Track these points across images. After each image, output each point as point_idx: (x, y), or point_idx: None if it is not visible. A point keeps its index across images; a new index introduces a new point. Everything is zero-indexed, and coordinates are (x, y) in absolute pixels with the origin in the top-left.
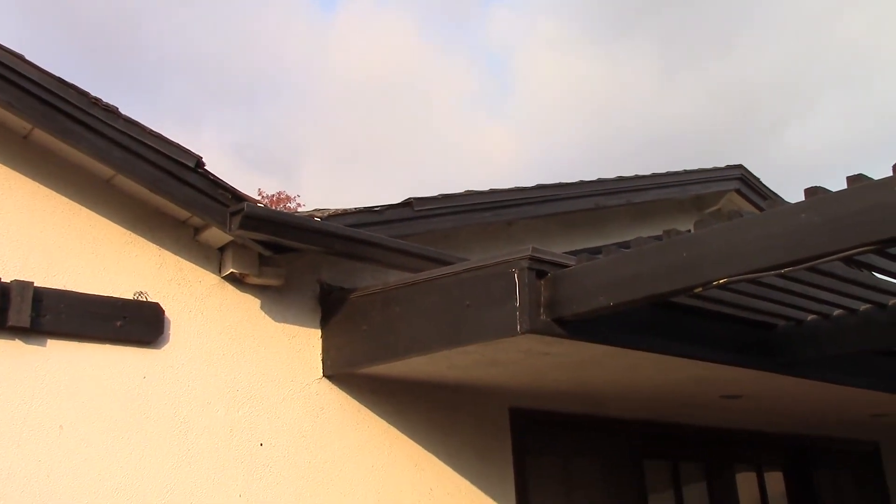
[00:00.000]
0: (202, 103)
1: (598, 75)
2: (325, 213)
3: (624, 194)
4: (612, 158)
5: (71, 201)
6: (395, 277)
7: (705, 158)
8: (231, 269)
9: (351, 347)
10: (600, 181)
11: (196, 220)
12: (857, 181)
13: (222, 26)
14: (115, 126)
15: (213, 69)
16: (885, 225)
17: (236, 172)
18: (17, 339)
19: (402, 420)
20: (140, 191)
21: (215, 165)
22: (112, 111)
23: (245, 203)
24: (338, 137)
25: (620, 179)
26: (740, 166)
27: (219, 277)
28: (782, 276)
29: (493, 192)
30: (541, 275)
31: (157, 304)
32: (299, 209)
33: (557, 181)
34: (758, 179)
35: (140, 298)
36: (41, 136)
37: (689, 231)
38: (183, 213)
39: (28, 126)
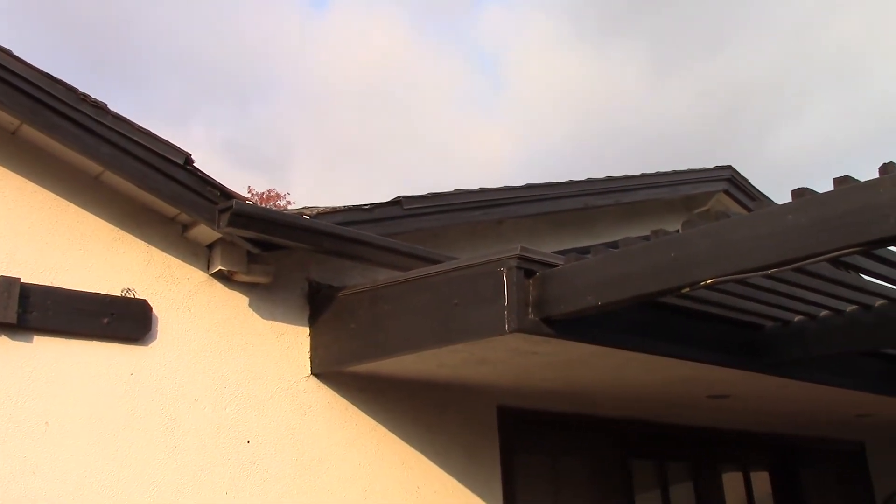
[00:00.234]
0: (192, 100)
1: (589, 75)
2: (314, 211)
3: (613, 194)
4: (604, 158)
5: (59, 197)
6: (383, 276)
7: (696, 158)
8: (219, 267)
9: (339, 345)
10: (589, 181)
11: (184, 217)
12: (844, 183)
13: (213, 23)
14: (104, 122)
15: (204, 66)
16: (871, 226)
17: (226, 170)
18: (3, 336)
19: (390, 418)
20: (128, 187)
21: (205, 163)
22: (100, 107)
23: (233, 200)
24: (329, 135)
25: (609, 179)
26: (729, 167)
27: (207, 275)
28: (769, 277)
29: (482, 191)
30: (529, 274)
31: (145, 300)
32: (289, 207)
33: (547, 181)
34: (746, 180)
35: (128, 295)
36: (29, 132)
37: (677, 231)
38: (171, 210)
39: (16, 122)
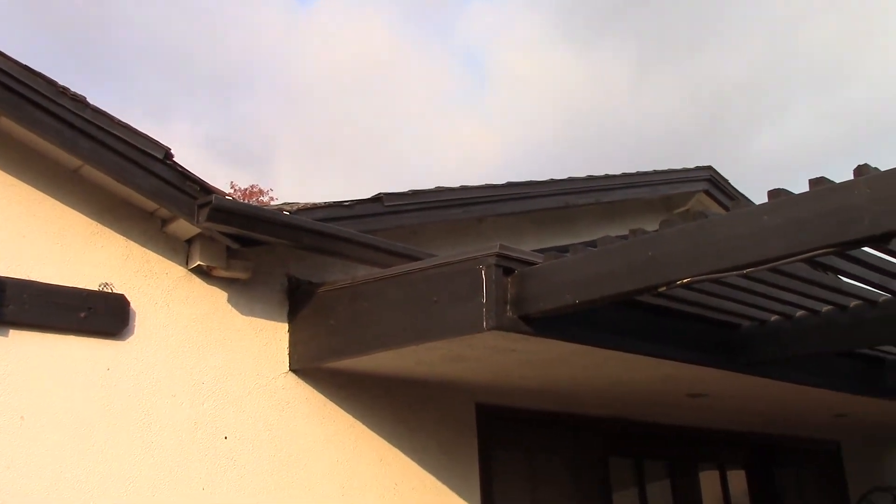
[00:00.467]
0: (175, 95)
1: (574, 74)
2: (295, 207)
3: (593, 193)
4: (588, 157)
5: (36, 191)
6: (363, 272)
7: (681, 158)
8: (198, 262)
9: (318, 342)
10: (570, 180)
11: (163, 212)
12: (819, 184)
13: (197, 17)
14: (83, 116)
15: (187, 60)
16: (846, 228)
17: (209, 165)
18: None
19: (368, 415)
20: (107, 181)
21: (187, 157)
22: (80, 101)
23: (213, 195)
24: (313, 132)
25: (590, 178)
26: (709, 167)
27: (186, 270)
28: (745, 277)
29: (463, 188)
30: (508, 272)
31: (123, 295)
32: (272, 203)
33: (528, 179)
34: (726, 181)
35: (105, 290)
36: (7, 124)
37: (655, 231)
38: (150, 205)
39: None
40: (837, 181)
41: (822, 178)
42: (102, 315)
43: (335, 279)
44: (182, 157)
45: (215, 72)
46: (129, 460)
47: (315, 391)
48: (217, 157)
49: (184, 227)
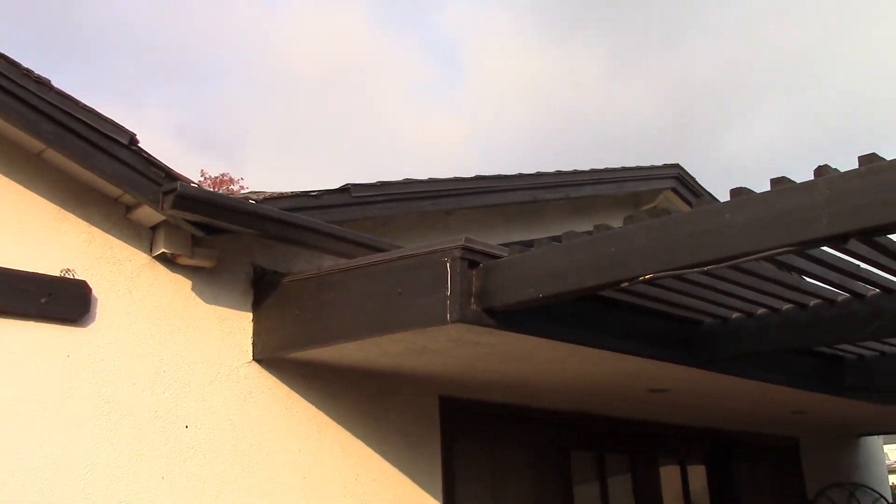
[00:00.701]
0: (146, 80)
1: (547, 70)
2: (261, 196)
3: (562, 188)
4: (559, 152)
5: None
6: (329, 263)
7: (650, 155)
8: (162, 249)
9: (282, 332)
10: (539, 174)
11: (128, 198)
12: (780, 184)
13: (169, 2)
14: (47, 99)
15: (159, 46)
16: (805, 227)
17: (180, 152)
18: None
19: (332, 406)
20: (71, 166)
21: (157, 144)
22: (44, 83)
23: (178, 182)
24: (286, 121)
25: (559, 174)
26: (677, 165)
27: (150, 257)
28: (708, 274)
29: (431, 181)
30: (473, 265)
31: (85, 281)
32: (242, 192)
33: (497, 173)
34: (693, 179)
35: (67, 275)
36: None
37: (619, 227)
38: (114, 191)
39: None
40: (799, 181)
41: (783, 177)
42: (63, 301)
43: (301, 269)
44: (152, 144)
45: (187, 59)
46: (88, 448)
47: (278, 381)
48: (188, 145)
49: (148, 214)
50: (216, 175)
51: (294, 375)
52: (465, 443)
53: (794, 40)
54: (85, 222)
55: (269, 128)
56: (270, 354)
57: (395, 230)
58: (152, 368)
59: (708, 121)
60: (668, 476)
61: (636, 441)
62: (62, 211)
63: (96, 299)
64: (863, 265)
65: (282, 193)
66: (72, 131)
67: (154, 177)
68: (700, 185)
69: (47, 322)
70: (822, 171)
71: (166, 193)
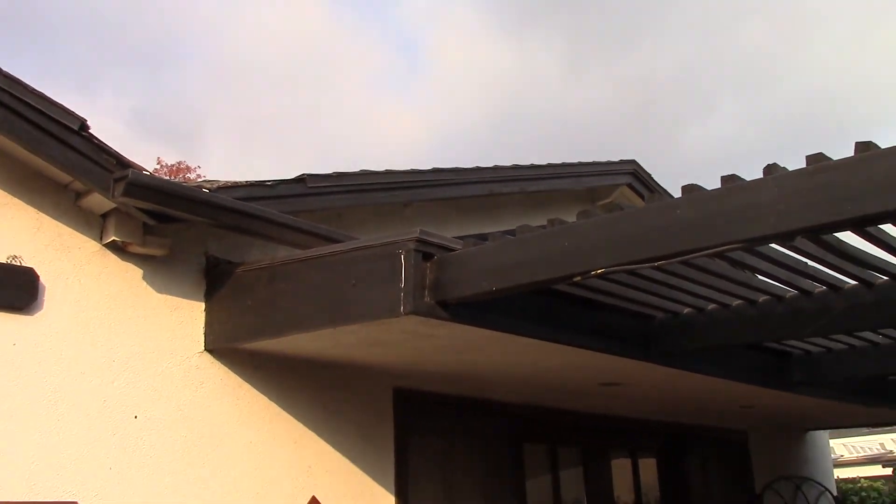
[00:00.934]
0: (102, 66)
1: (507, 63)
2: (215, 185)
3: (518, 182)
4: (518, 146)
5: None
6: (283, 253)
7: (609, 151)
8: (113, 237)
9: (235, 322)
10: (496, 168)
11: (78, 185)
12: (730, 181)
13: None
14: None
15: (116, 31)
16: (753, 224)
17: (136, 139)
18: None
19: (284, 397)
20: (19, 151)
21: (113, 130)
22: None
23: (130, 169)
24: (246, 111)
25: (516, 168)
26: (633, 161)
27: (100, 245)
28: (660, 270)
29: (388, 172)
30: (427, 257)
31: (32, 269)
32: (199, 180)
33: (455, 166)
34: (649, 175)
35: (13, 263)
36: None
37: (572, 221)
38: (64, 177)
39: None
40: (749, 179)
41: (733, 175)
42: (10, 288)
43: (255, 259)
44: (108, 130)
45: (145, 45)
46: (35, 438)
47: (230, 372)
48: (145, 132)
49: (99, 202)
50: (172, 163)
51: (247, 366)
52: (419, 434)
53: (751, 41)
54: (33, 209)
55: (229, 117)
56: (223, 345)
57: (350, 222)
58: (101, 358)
59: (666, 118)
60: (620, 469)
61: (588, 434)
62: (9, 196)
63: (44, 287)
64: (811, 263)
65: (236, 182)
66: (20, 116)
67: (105, 164)
68: (655, 182)
69: None
70: (770, 169)
71: (117, 180)
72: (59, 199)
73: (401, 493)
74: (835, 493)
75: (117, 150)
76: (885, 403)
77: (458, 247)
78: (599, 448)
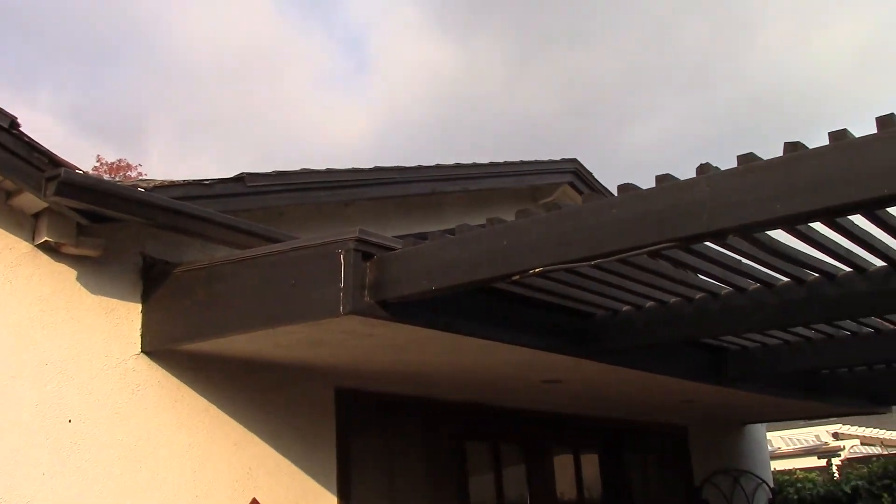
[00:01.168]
0: (39, 61)
1: (452, 63)
2: (151, 184)
3: (460, 181)
4: (462, 145)
5: None
6: (222, 253)
7: (553, 150)
8: (45, 238)
9: (173, 323)
10: (438, 167)
11: (8, 184)
12: (665, 181)
13: None
14: None
15: (53, 24)
16: (686, 223)
17: (74, 136)
18: None
19: (224, 399)
20: None
21: (50, 128)
22: None
23: (62, 168)
24: (189, 110)
25: (458, 166)
26: (574, 160)
27: (32, 245)
28: (598, 268)
29: (329, 171)
30: (367, 257)
31: None
32: (140, 179)
33: (397, 164)
34: (591, 173)
35: None
36: None
37: (510, 220)
38: None
39: None
40: (683, 178)
41: (667, 174)
42: None
43: (193, 259)
44: (45, 128)
45: (85, 40)
46: None
47: (168, 374)
48: (85, 129)
49: (30, 201)
50: (112, 161)
51: (185, 368)
52: (361, 434)
53: (695, 39)
54: None
55: (172, 116)
56: (160, 346)
57: (291, 221)
58: (34, 361)
59: (609, 117)
60: (563, 465)
61: (531, 431)
62: None
63: None
64: (745, 260)
65: (173, 181)
66: None
67: (36, 162)
68: (597, 180)
69: None
70: (703, 169)
71: (49, 179)
72: None
73: (343, 493)
74: (771, 485)
75: (50, 148)
76: (818, 397)
77: (398, 246)
78: (542, 445)
